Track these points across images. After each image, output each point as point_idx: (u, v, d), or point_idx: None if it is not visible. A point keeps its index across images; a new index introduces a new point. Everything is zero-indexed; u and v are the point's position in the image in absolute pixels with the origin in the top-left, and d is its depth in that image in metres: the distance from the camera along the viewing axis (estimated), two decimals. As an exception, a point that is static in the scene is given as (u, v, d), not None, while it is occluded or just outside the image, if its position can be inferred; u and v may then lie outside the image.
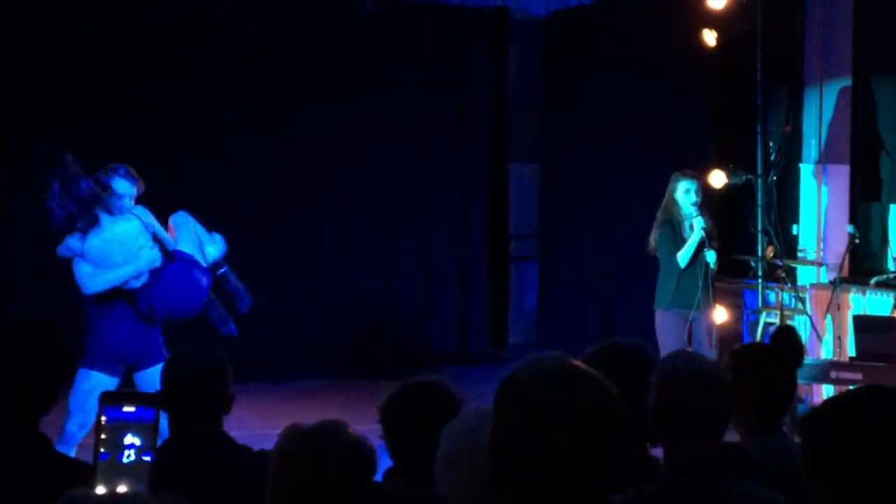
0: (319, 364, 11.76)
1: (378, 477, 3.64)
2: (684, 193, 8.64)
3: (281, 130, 11.76)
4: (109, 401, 2.48)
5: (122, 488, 2.38)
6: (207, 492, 3.29)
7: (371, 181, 12.14)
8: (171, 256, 7.19)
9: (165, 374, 3.77)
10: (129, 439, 2.43)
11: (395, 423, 3.60)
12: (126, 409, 2.48)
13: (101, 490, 2.37)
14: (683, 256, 8.53)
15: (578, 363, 2.08)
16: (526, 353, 2.20)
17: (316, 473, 2.85)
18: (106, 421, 2.44)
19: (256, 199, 11.64)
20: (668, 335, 8.54)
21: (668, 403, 3.09)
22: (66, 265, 7.28)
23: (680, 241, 8.58)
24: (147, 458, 2.43)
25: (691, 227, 8.60)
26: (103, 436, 2.43)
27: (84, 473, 3.20)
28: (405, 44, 12.16)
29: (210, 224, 11.35)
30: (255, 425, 7.91)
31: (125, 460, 2.42)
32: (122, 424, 2.45)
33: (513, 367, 2.10)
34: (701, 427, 3.08)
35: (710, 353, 8.35)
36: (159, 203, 11.12)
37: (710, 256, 8.56)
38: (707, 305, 8.59)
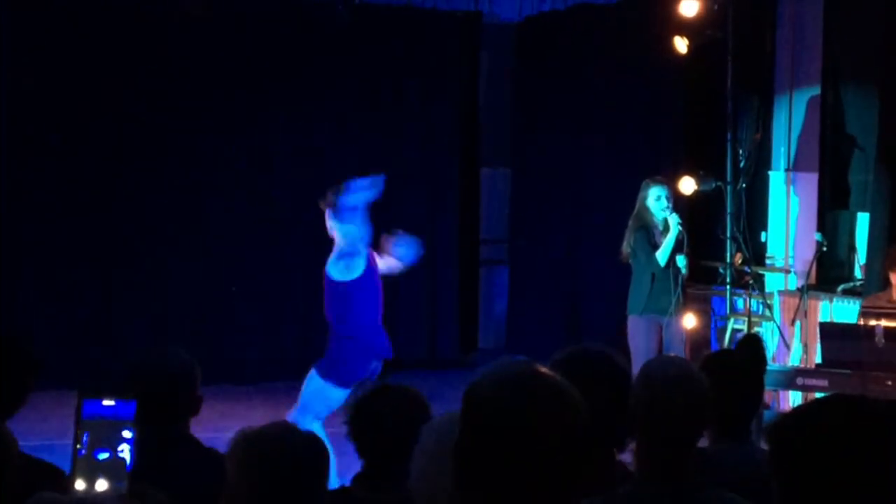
0: (288, 366, 11.72)
1: (347, 482, 3.65)
2: (656, 200, 8.68)
3: (252, 132, 11.74)
4: (88, 394, 2.45)
5: (101, 484, 2.36)
6: (174, 494, 3.28)
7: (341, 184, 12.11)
8: None
9: (133, 376, 3.76)
10: (108, 435, 2.41)
11: (363, 426, 3.61)
12: (105, 402, 2.44)
13: (80, 485, 2.35)
14: (663, 254, 8.57)
15: (544, 369, 2.09)
16: (495, 358, 2.20)
17: (272, 473, 2.85)
18: (84, 416, 2.42)
19: (228, 199, 11.62)
20: (640, 340, 8.57)
21: (647, 407, 3.10)
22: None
23: (655, 246, 8.63)
24: (124, 455, 2.40)
25: (665, 230, 8.64)
26: (79, 432, 2.40)
27: (52, 475, 3.19)
28: (377, 47, 12.15)
29: (180, 225, 11.41)
30: (223, 427, 7.87)
31: (101, 457, 2.40)
32: (101, 419, 2.42)
33: (478, 374, 2.10)
34: (680, 432, 3.09)
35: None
36: (140, 201, 11.22)
37: (681, 262, 8.62)
38: (678, 311, 8.63)
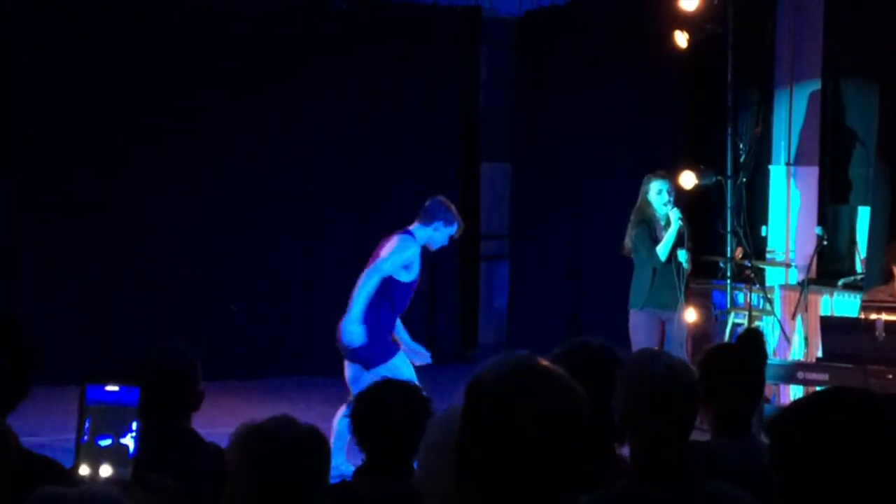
0: (289, 362, 11.75)
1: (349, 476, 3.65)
2: (657, 194, 8.68)
3: (252, 129, 11.75)
4: (92, 380, 2.43)
5: (104, 469, 2.35)
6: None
7: (342, 180, 12.13)
8: None
9: (134, 371, 3.76)
10: (111, 421, 2.39)
11: (364, 420, 3.62)
12: (109, 388, 2.43)
13: (84, 471, 2.34)
14: (663, 249, 8.57)
15: (545, 363, 2.09)
16: (496, 353, 2.20)
17: (273, 467, 2.86)
18: (87, 402, 2.40)
19: (228, 198, 11.63)
20: (641, 335, 8.57)
21: (636, 402, 3.10)
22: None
23: (656, 241, 8.62)
24: (128, 441, 2.39)
25: (667, 224, 8.63)
26: (84, 417, 2.39)
27: (54, 470, 3.19)
28: (377, 42, 12.16)
29: (179, 222, 11.41)
30: (225, 423, 7.87)
31: (104, 443, 2.39)
32: (104, 405, 2.41)
33: (480, 368, 2.10)
34: (668, 426, 3.08)
35: (683, 354, 8.40)
36: (139, 199, 11.22)
37: (683, 256, 8.61)
38: (680, 305, 8.61)
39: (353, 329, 7.59)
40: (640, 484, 3.06)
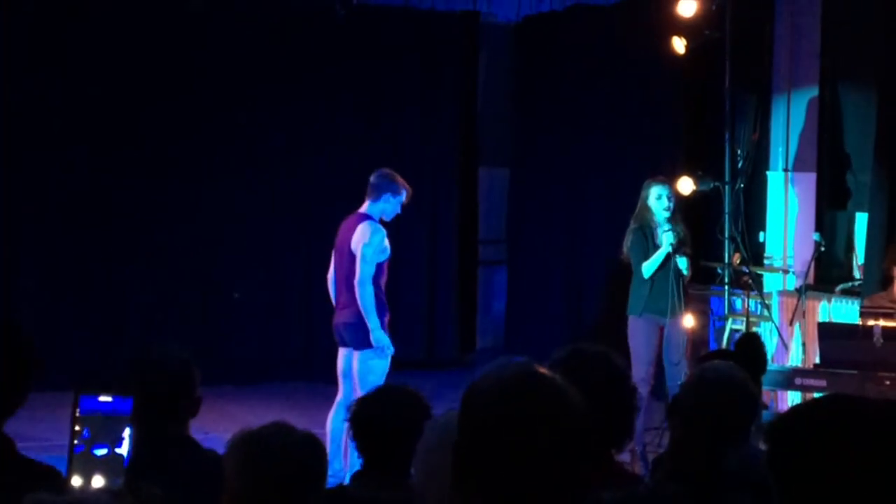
0: (288, 367, 11.74)
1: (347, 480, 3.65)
2: (656, 199, 8.63)
3: (252, 134, 11.75)
4: (85, 390, 2.43)
5: (97, 480, 2.36)
6: (172, 495, 3.27)
7: (341, 186, 12.11)
8: None
9: (131, 377, 3.75)
10: (106, 431, 2.39)
11: (364, 425, 3.62)
12: (102, 399, 2.43)
13: (76, 482, 2.35)
14: (648, 268, 8.51)
15: (542, 369, 2.09)
16: (494, 358, 2.21)
17: (271, 473, 2.86)
18: (80, 412, 2.41)
19: (228, 201, 11.62)
20: (639, 341, 8.53)
21: (709, 407, 3.15)
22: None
23: (651, 248, 8.57)
24: (122, 451, 2.39)
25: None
26: (77, 427, 2.39)
27: (48, 476, 3.18)
28: (375, 48, 12.16)
29: (179, 225, 11.41)
30: (222, 429, 7.86)
31: (98, 453, 2.39)
32: (97, 416, 2.41)
33: (478, 374, 2.11)
34: (730, 435, 3.13)
35: (682, 360, 8.39)
36: (138, 201, 11.22)
37: (682, 263, 8.54)
38: (679, 312, 8.57)
39: (378, 337, 7.80)
40: (666, 487, 3.07)
